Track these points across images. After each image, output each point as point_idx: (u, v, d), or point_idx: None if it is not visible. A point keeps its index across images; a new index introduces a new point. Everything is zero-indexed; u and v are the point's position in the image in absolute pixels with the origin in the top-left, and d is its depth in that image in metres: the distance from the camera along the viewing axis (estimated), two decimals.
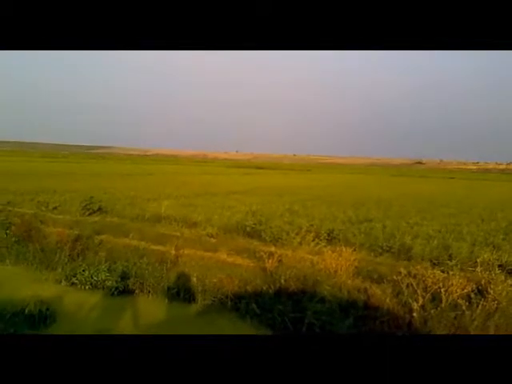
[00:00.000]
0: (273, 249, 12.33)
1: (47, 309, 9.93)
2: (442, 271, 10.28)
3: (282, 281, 10.75)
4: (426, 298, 9.47)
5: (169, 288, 11.38)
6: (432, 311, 9.18)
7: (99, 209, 18.41)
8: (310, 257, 11.98)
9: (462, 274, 10.27)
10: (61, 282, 12.13)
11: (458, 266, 10.82)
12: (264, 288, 10.74)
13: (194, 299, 11.01)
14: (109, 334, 8.25)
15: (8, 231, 15.45)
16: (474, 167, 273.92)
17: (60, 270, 12.73)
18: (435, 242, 13.98)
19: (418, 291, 9.56)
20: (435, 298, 9.57)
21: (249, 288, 10.77)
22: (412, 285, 9.76)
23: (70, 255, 13.40)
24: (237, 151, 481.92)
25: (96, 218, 17.11)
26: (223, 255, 12.60)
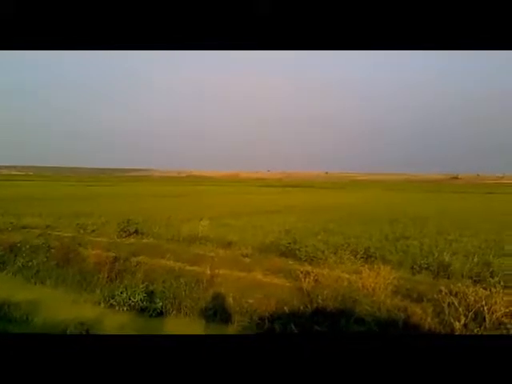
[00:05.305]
0: (309, 268, 12.22)
1: (87, 331, 10.09)
2: (485, 288, 9.96)
3: (320, 300, 10.63)
4: (469, 316, 9.18)
5: (205, 309, 11.41)
6: (475, 330, 8.91)
7: (136, 231, 18.66)
8: (347, 276, 11.82)
9: (506, 291, 9.92)
10: (99, 303, 12.33)
11: (501, 284, 10.44)
12: (301, 308, 10.63)
13: (230, 320, 10.99)
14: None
15: (48, 254, 15.84)
16: None
17: (98, 291, 12.96)
18: (475, 258, 13.60)
19: (460, 310, 9.29)
20: (478, 317, 9.27)
21: (286, 308, 10.68)
22: (453, 303, 9.49)
23: (108, 277, 13.64)
24: (268, 170, 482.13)
25: (133, 240, 17.36)
26: (259, 275, 12.56)
